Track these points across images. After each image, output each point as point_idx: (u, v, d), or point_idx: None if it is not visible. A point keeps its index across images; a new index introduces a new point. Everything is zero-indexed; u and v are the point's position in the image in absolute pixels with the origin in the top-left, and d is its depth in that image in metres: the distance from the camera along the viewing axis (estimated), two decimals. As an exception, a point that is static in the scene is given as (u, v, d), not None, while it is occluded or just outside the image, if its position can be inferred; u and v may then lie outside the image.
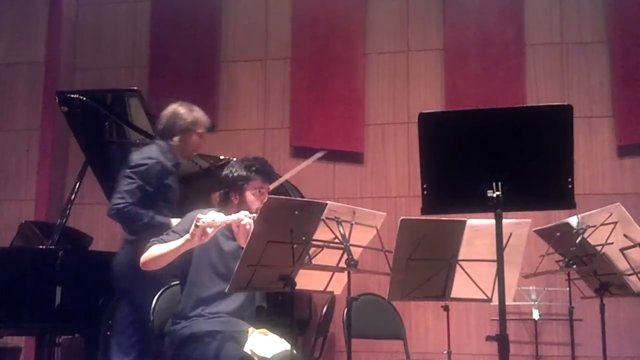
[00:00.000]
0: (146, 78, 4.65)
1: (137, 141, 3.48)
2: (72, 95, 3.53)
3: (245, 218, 2.28)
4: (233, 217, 2.29)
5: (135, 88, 3.52)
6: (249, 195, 2.47)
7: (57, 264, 3.15)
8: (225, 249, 2.45)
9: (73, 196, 3.51)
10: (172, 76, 4.61)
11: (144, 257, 2.32)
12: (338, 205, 2.19)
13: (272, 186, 2.89)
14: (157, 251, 2.30)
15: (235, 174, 2.49)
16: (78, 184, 3.55)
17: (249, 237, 2.15)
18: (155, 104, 4.34)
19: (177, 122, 3.01)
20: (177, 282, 2.57)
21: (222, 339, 2.29)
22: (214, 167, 3.39)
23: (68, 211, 3.45)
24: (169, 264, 2.31)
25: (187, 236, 2.23)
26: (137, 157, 2.98)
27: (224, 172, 2.54)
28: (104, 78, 4.67)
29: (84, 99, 3.48)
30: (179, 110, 3.04)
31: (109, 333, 2.86)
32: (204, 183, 3.38)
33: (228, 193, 2.50)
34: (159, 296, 2.63)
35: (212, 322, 2.37)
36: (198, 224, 2.19)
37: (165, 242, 2.33)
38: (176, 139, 3.00)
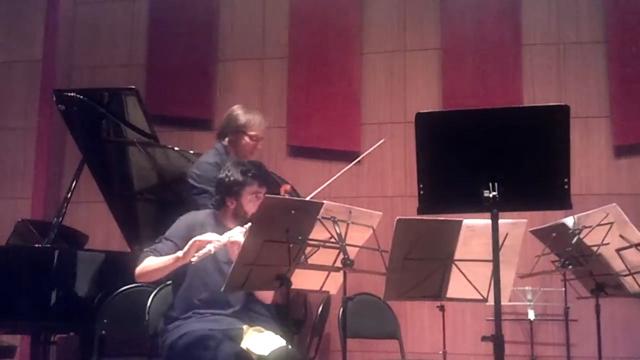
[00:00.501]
0: (143, 77, 4.64)
1: (134, 139, 3.48)
2: (69, 94, 3.52)
3: (238, 238, 2.27)
4: (226, 238, 2.29)
5: (133, 87, 3.51)
6: (246, 201, 2.48)
7: (53, 263, 3.14)
8: (219, 254, 2.45)
9: (69, 195, 3.50)
10: (169, 75, 4.60)
11: (139, 270, 2.34)
12: (334, 204, 2.19)
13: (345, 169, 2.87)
14: (150, 266, 2.33)
15: (232, 179, 2.48)
16: (74, 182, 3.54)
17: (245, 237, 2.15)
18: (153, 102, 4.36)
19: (229, 123, 3.04)
20: (171, 282, 2.57)
21: (217, 336, 2.29)
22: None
23: (64, 210, 3.44)
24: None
25: (180, 255, 2.27)
26: (195, 165, 3.01)
27: (219, 176, 2.54)
28: (101, 77, 4.66)
29: (81, 97, 3.47)
30: (235, 111, 3.06)
31: (104, 332, 2.85)
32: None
33: (224, 198, 2.50)
34: (154, 295, 2.63)
35: (205, 321, 2.37)
36: (192, 260, 2.21)
37: (159, 252, 2.36)
38: (227, 139, 3.03)
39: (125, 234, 3.65)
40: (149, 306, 2.60)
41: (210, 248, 2.22)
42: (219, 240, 2.26)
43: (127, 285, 2.94)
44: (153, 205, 3.64)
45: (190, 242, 2.24)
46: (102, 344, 2.87)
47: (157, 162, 3.50)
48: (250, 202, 2.47)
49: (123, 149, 3.58)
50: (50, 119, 4.57)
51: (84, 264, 3.24)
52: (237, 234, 2.28)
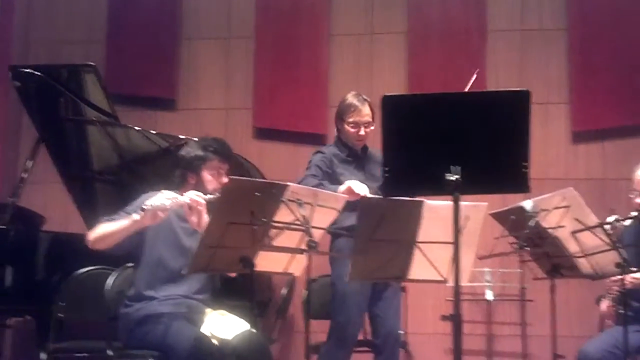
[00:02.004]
0: (103, 54, 4.51)
1: (93, 118, 3.39)
2: (26, 70, 3.41)
3: (196, 198, 2.24)
4: (184, 198, 2.25)
5: (92, 63, 3.41)
6: (206, 176, 2.44)
7: (8, 244, 3.05)
8: (179, 230, 2.42)
9: (25, 175, 3.41)
10: (130, 52, 4.48)
11: (92, 236, 2.28)
12: (299, 187, 2.19)
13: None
14: (105, 230, 2.26)
15: (192, 154, 2.45)
16: (31, 162, 3.44)
17: (209, 219, 2.13)
18: (113, 80, 4.24)
19: (336, 112, 2.97)
20: (131, 264, 2.53)
21: (177, 320, 2.27)
22: (173, 147, 3.33)
23: (20, 190, 3.35)
24: (119, 244, 2.27)
25: (136, 217, 2.19)
26: None
27: (180, 152, 2.51)
28: (59, 53, 4.50)
29: (38, 74, 3.36)
30: (344, 98, 2.96)
31: (61, 315, 2.80)
32: (163, 163, 3.32)
33: (185, 173, 2.47)
34: (115, 278, 2.59)
35: (166, 304, 2.35)
36: (145, 207, 2.15)
37: (115, 221, 2.30)
38: (336, 128, 2.97)
39: (83, 215, 3.57)
40: (108, 289, 2.55)
41: (166, 203, 2.17)
42: (176, 198, 2.22)
43: (86, 268, 2.89)
44: (113, 187, 3.57)
45: (146, 204, 2.19)
46: (59, 328, 2.82)
47: (118, 142, 3.42)
48: (211, 178, 2.44)
49: (82, 128, 3.48)
50: (5, 96, 4.40)
51: (41, 245, 3.17)
52: (193, 195, 2.26)
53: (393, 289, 2.88)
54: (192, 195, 2.26)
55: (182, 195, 2.31)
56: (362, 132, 2.89)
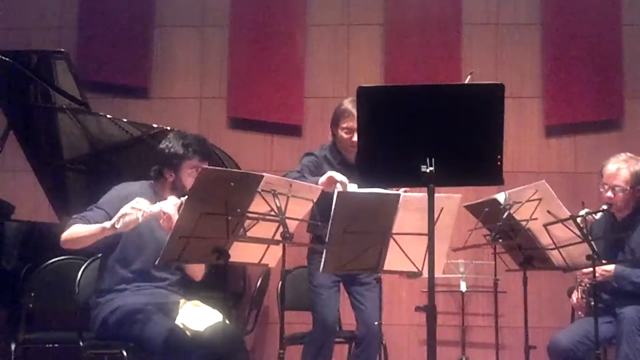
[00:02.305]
0: (75, 40, 4.40)
1: (64, 106, 3.32)
2: (-5, 56, 3.32)
3: (169, 209, 2.20)
4: (157, 207, 2.21)
5: (63, 50, 3.33)
6: (185, 175, 2.41)
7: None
8: (154, 221, 2.38)
9: (-7, 163, 3.33)
10: (102, 39, 4.38)
11: (64, 236, 2.26)
12: (275, 177, 2.17)
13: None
14: (76, 233, 2.25)
15: (172, 151, 2.41)
16: (-1, 149, 3.36)
17: (181, 208, 2.10)
18: (85, 68, 4.15)
19: (332, 116, 2.90)
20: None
21: (150, 311, 2.25)
22: (145, 135, 3.28)
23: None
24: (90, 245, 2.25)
25: (107, 225, 2.18)
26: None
27: (160, 146, 2.46)
28: (29, 39, 4.39)
29: (7, 59, 3.27)
30: (340, 103, 2.89)
31: (31, 305, 2.75)
32: (135, 152, 3.27)
33: (162, 169, 2.43)
34: (84, 268, 2.55)
35: (139, 294, 2.32)
36: (117, 226, 2.14)
37: (88, 219, 2.27)
38: (332, 132, 2.91)
39: (54, 204, 3.51)
40: (80, 279, 2.51)
41: (138, 215, 2.15)
42: (149, 209, 2.19)
43: (56, 257, 2.83)
44: (84, 175, 3.51)
45: (119, 213, 2.16)
46: (30, 318, 2.77)
47: (89, 130, 3.36)
48: (190, 177, 2.40)
49: (52, 116, 3.41)
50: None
51: (10, 235, 3.10)
52: (170, 205, 2.22)
53: (373, 282, 2.90)
54: (164, 206, 2.21)
55: (158, 191, 2.33)
56: (355, 138, 2.84)
